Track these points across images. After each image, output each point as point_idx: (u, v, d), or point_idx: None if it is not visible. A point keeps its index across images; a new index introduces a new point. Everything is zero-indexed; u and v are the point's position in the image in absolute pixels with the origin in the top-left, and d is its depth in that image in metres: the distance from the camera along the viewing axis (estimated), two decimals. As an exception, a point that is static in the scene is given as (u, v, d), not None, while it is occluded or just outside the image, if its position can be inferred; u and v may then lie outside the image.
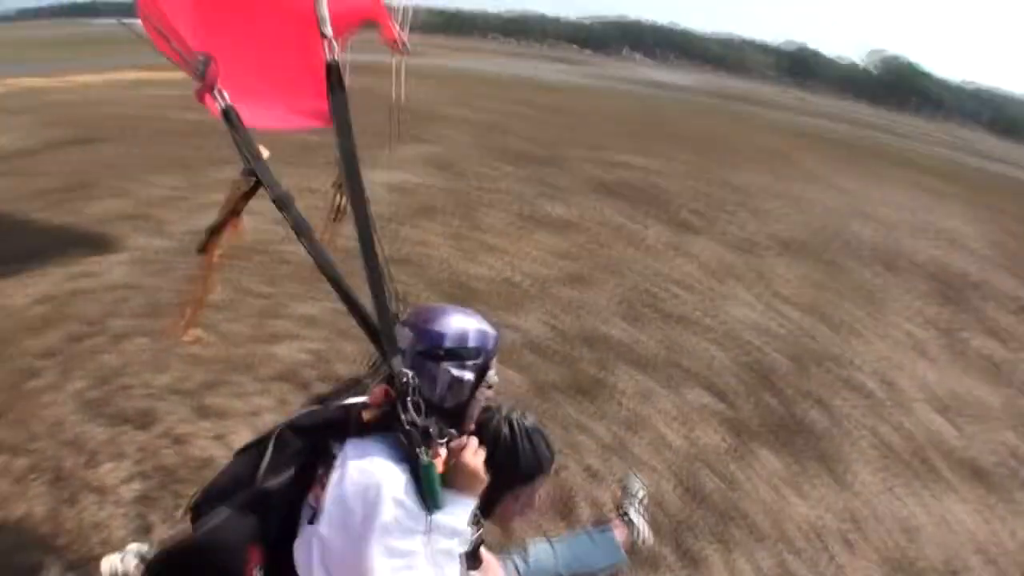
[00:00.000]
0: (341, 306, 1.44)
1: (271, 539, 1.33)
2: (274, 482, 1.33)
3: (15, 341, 3.60)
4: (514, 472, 1.65)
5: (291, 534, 1.32)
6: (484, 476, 1.41)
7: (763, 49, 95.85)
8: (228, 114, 1.38)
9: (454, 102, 16.03)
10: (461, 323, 1.47)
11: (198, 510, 1.36)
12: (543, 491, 1.80)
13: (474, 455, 1.41)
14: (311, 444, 1.38)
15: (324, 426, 1.39)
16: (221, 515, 1.31)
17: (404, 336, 1.44)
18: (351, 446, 1.33)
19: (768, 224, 8.04)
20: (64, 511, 2.51)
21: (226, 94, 1.38)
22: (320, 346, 3.88)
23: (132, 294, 4.30)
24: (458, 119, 13.55)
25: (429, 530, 1.27)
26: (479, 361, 1.48)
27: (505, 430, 1.66)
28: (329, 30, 1.48)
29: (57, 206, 5.98)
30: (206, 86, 1.37)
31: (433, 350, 1.43)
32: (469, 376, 1.47)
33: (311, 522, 1.29)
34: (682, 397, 3.82)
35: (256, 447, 1.39)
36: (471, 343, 1.46)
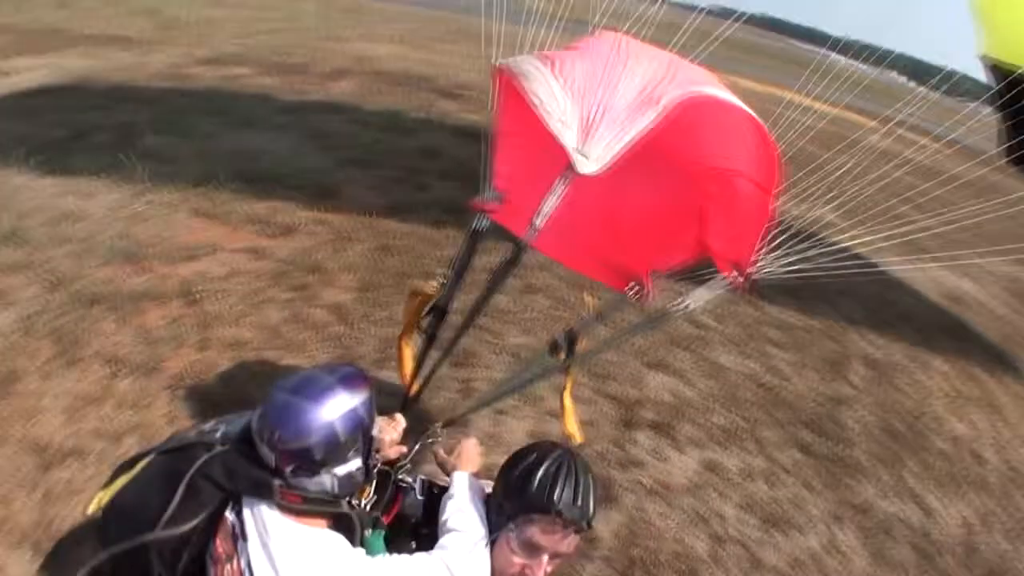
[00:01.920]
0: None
1: None
2: (177, 532, 1.31)
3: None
4: (518, 497, 1.42)
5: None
6: (478, 458, 1.66)
7: None
8: (477, 233, 1.77)
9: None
10: (326, 415, 1.31)
11: (108, 520, 1.43)
12: (552, 548, 1.43)
13: (475, 447, 1.71)
14: (224, 497, 1.35)
15: (251, 485, 1.33)
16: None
17: (267, 456, 1.33)
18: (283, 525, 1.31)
19: None
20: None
21: (486, 220, 1.76)
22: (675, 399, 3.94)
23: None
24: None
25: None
26: (359, 445, 1.37)
27: (540, 455, 1.48)
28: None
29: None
30: (478, 207, 1.73)
31: (306, 465, 1.31)
32: (356, 464, 1.38)
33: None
34: None
35: (170, 474, 1.36)
36: (344, 436, 1.32)
